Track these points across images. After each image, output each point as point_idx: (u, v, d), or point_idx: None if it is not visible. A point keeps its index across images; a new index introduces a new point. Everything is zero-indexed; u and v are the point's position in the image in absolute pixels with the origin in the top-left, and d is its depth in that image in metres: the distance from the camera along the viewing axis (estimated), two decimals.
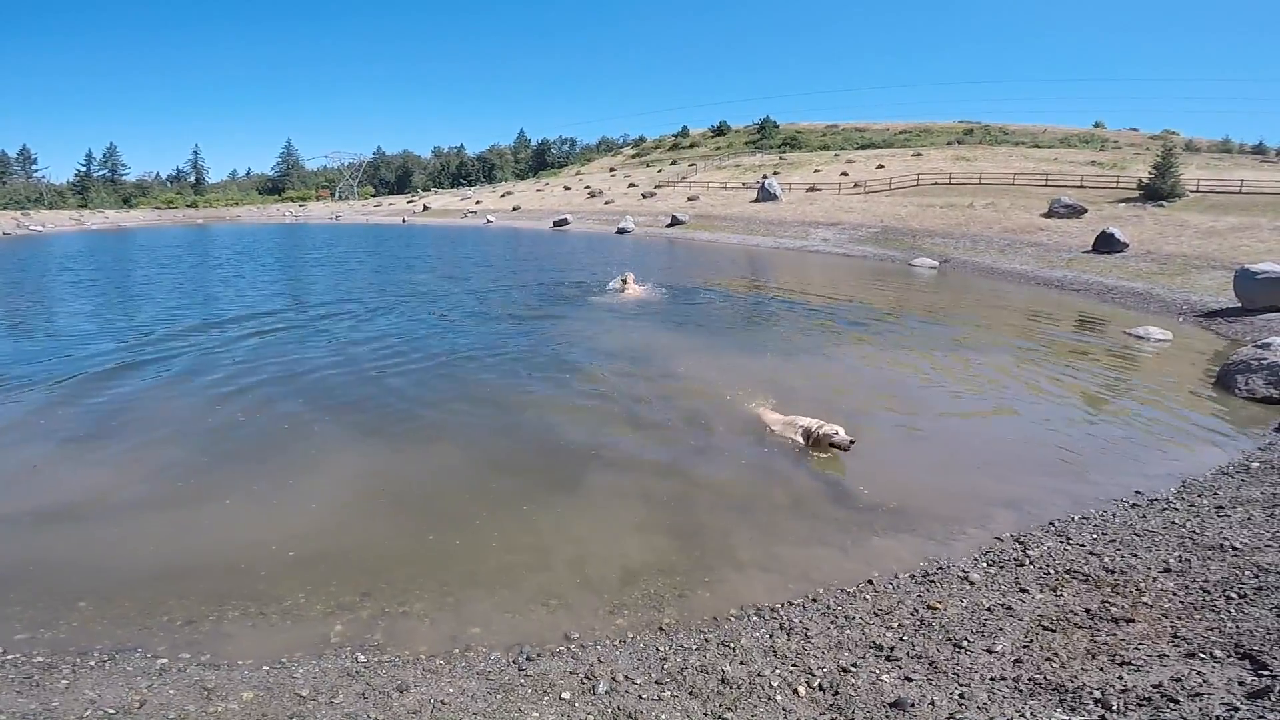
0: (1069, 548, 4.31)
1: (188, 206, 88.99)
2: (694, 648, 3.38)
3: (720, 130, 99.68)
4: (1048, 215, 30.14)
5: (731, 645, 3.39)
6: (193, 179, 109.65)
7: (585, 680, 3.13)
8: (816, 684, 3.03)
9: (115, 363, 9.17)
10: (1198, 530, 4.42)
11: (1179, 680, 2.67)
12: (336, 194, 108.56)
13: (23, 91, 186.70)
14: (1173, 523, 4.61)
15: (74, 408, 7.24)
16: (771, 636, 3.46)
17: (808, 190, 47.42)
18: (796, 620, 3.60)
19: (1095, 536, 4.47)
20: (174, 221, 70.09)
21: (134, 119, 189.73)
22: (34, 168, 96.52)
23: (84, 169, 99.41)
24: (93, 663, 3.27)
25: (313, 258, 27.99)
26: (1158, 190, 30.09)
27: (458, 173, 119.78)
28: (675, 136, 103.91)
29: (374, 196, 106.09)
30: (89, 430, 6.56)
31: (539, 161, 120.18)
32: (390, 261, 26.24)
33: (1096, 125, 74.69)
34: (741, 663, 3.23)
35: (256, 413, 7.09)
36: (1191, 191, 30.17)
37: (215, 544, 4.43)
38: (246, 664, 3.28)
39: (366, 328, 11.86)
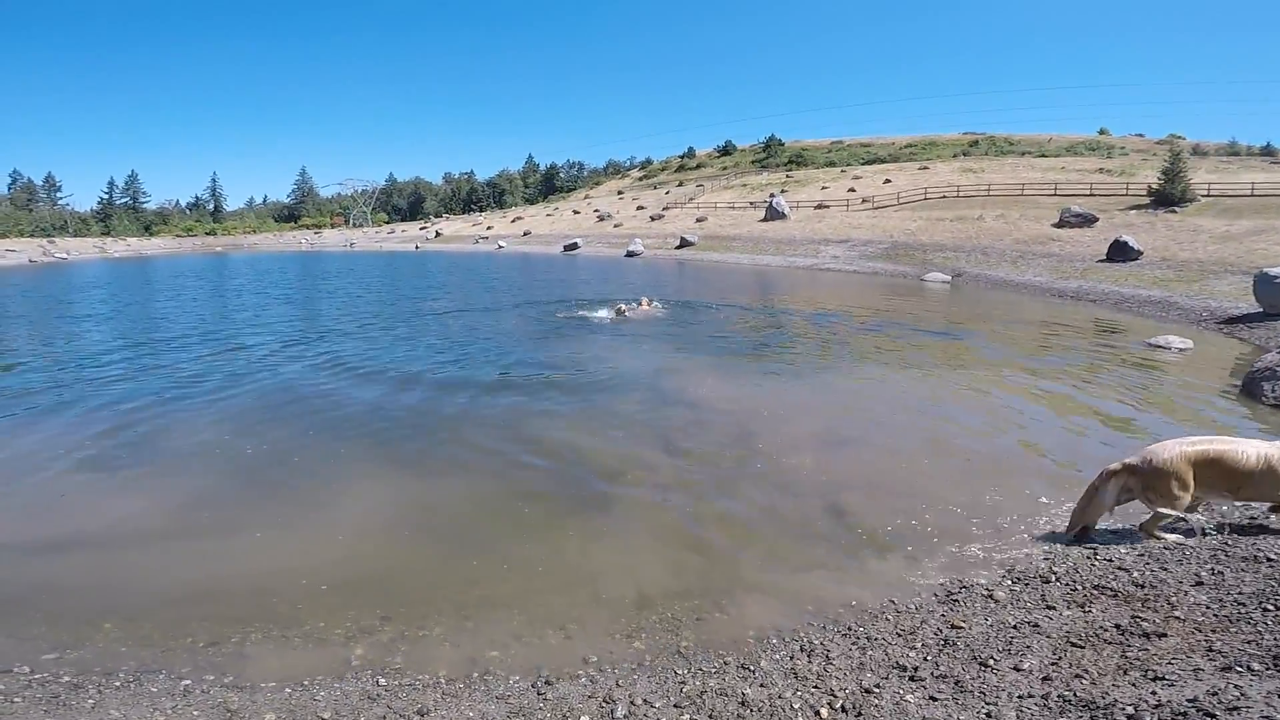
0: (1096, 563, 4.23)
1: (206, 234, 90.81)
2: (713, 671, 3.34)
3: (726, 150, 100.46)
4: (1059, 225, 30.03)
5: (751, 668, 3.34)
6: (211, 206, 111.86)
7: (604, 704, 3.10)
8: (839, 705, 2.98)
9: (142, 389, 9.31)
10: (1230, 542, 4.33)
11: (1215, 694, 2.60)
12: (350, 221, 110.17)
13: (47, 119, 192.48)
14: (1204, 534, 4.51)
15: (101, 434, 7.34)
16: (792, 658, 3.42)
17: (816, 208, 47.59)
18: (817, 642, 3.56)
19: (1123, 551, 4.38)
20: (194, 249, 71.46)
21: (154, 147, 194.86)
22: (58, 195, 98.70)
23: (106, 196, 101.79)
24: (118, 683, 3.30)
25: (329, 286, 28.36)
26: (1168, 196, 29.93)
27: (468, 198, 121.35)
28: (681, 158, 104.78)
29: (387, 223, 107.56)
30: (114, 457, 6.65)
31: (548, 186, 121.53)
32: (405, 289, 26.53)
33: (1101, 132, 74.59)
34: (762, 685, 3.18)
35: (278, 439, 7.16)
36: (1203, 196, 29.99)
37: (239, 569, 4.47)
38: (269, 686, 3.29)
39: (388, 356, 11.92)
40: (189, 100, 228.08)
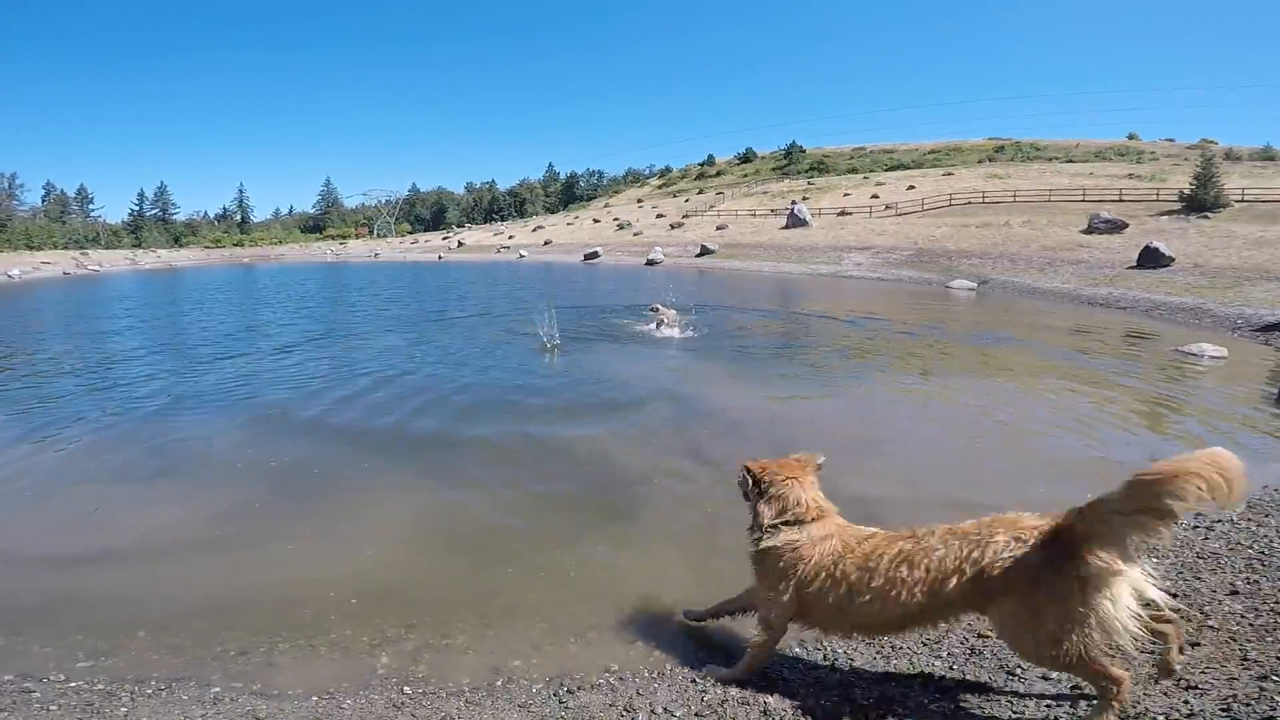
0: None
1: (234, 245, 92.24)
2: (735, 679, 3.33)
3: (746, 157, 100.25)
4: (1087, 231, 29.55)
5: (774, 677, 3.33)
6: (239, 218, 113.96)
7: (625, 713, 3.10)
8: (862, 715, 2.95)
9: (169, 401, 9.54)
10: (1266, 551, 4.23)
11: (1250, 704, 2.55)
12: (374, 231, 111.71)
13: (79, 131, 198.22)
14: (1238, 544, 4.41)
15: (130, 447, 7.52)
16: (815, 668, 3.39)
17: (838, 214, 47.32)
18: (841, 651, 3.53)
19: (1155, 560, 4.30)
20: (222, 261, 72.77)
21: (182, 158, 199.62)
22: (91, 206, 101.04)
23: (137, 208, 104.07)
24: (150, 691, 3.37)
25: (355, 298, 28.78)
26: (1201, 201, 29.30)
27: (490, 208, 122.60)
28: (701, 165, 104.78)
29: (410, 233, 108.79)
30: (143, 470, 6.80)
31: (568, 195, 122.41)
32: (430, 300, 26.83)
33: (1131, 137, 73.21)
34: (784, 694, 3.17)
35: (304, 450, 7.27)
36: (1236, 201, 29.33)
37: (266, 579, 4.55)
38: (296, 694, 3.34)
39: (413, 366, 11.99)
40: (215, 111, 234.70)
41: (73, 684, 3.45)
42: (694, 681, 3.33)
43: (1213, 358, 11.30)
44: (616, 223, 66.03)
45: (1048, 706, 2.84)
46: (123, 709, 3.21)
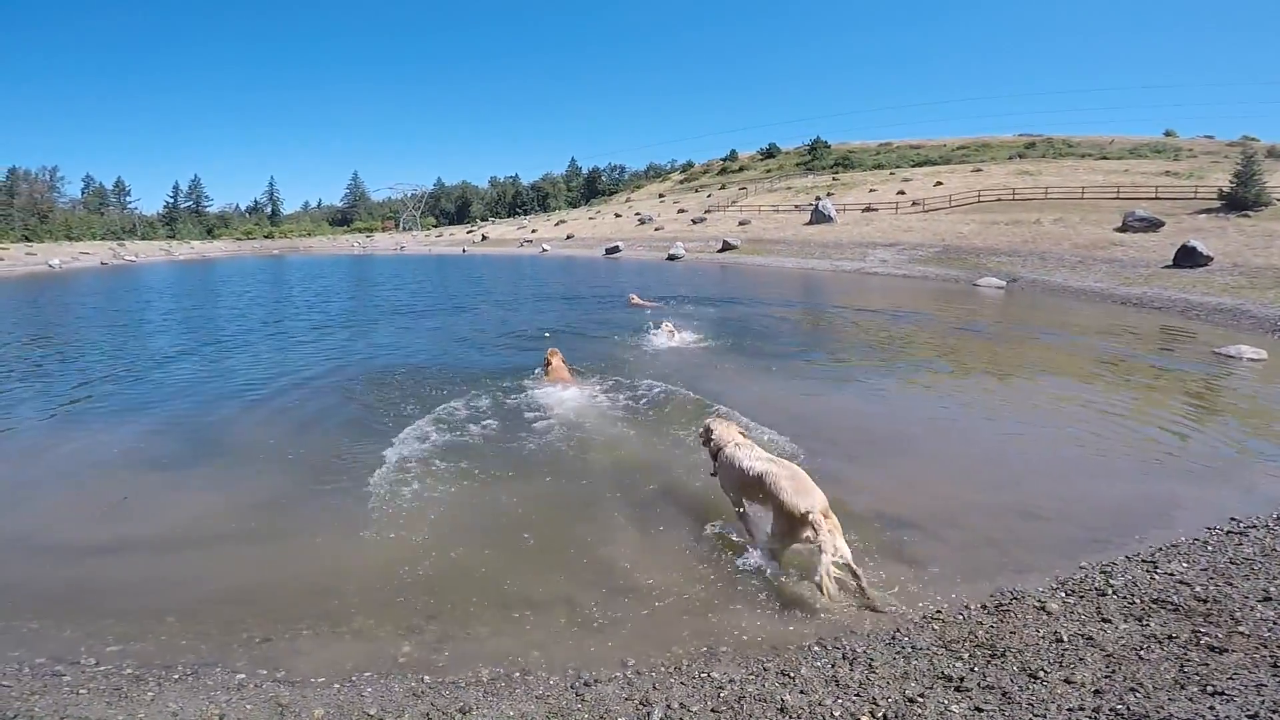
0: (1156, 576, 4.06)
1: (265, 237, 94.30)
2: (751, 677, 3.31)
3: (770, 152, 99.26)
4: (1121, 229, 28.83)
5: (791, 674, 3.31)
6: (269, 210, 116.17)
7: (640, 706, 3.11)
8: (880, 714, 2.93)
9: (200, 391, 9.74)
10: None
11: (1277, 712, 2.48)
12: (400, 224, 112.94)
13: (117, 126, 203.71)
14: (1273, 550, 4.30)
15: (161, 436, 7.69)
16: (833, 666, 3.37)
17: (863, 210, 46.70)
18: (860, 650, 3.50)
19: (1186, 565, 4.20)
20: (253, 252, 74.25)
21: (215, 151, 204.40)
22: (128, 199, 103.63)
23: (171, 201, 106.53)
24: (176, 676, 3.45)
25: (384, 289, 29.07)
26: (1241, 199, 28.42)
27: (513, 202, 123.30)
28: (724, 160, 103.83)
29: (435, 227, 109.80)
30: (174, 459, 6.94)
31: (590, 189, 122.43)
32: (455, 293, 27.00)
33: (1167, 134, 71.15)
34: (801, 692, 3.15)
35: (333, 441, 7.33)
36: (1279, 200, 28.39)
37: (293, 568, 4.62)
38: (319, 682, 3.40)
39: (442, 359, 11.99)
40: (247, 106, 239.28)
41: (102, 668, 3.55)
42: (711, 677, 3.33)
43: (1252, 360, 10.98)
44: (638, 217, 65.83)
45: (1070, 711, 2.78)
46: (150, 693, 3.29)
